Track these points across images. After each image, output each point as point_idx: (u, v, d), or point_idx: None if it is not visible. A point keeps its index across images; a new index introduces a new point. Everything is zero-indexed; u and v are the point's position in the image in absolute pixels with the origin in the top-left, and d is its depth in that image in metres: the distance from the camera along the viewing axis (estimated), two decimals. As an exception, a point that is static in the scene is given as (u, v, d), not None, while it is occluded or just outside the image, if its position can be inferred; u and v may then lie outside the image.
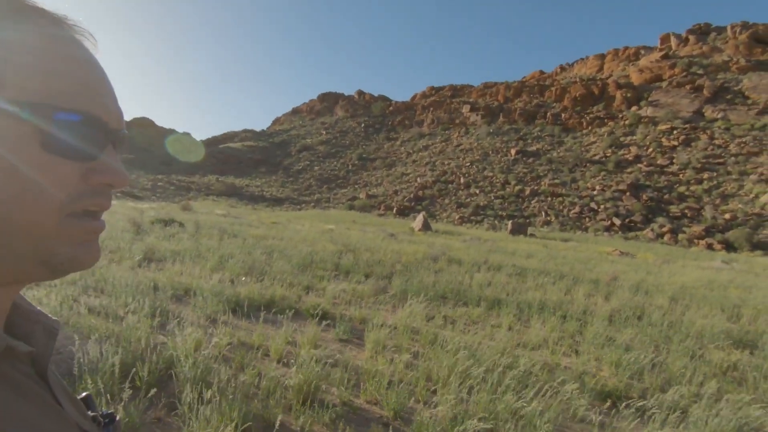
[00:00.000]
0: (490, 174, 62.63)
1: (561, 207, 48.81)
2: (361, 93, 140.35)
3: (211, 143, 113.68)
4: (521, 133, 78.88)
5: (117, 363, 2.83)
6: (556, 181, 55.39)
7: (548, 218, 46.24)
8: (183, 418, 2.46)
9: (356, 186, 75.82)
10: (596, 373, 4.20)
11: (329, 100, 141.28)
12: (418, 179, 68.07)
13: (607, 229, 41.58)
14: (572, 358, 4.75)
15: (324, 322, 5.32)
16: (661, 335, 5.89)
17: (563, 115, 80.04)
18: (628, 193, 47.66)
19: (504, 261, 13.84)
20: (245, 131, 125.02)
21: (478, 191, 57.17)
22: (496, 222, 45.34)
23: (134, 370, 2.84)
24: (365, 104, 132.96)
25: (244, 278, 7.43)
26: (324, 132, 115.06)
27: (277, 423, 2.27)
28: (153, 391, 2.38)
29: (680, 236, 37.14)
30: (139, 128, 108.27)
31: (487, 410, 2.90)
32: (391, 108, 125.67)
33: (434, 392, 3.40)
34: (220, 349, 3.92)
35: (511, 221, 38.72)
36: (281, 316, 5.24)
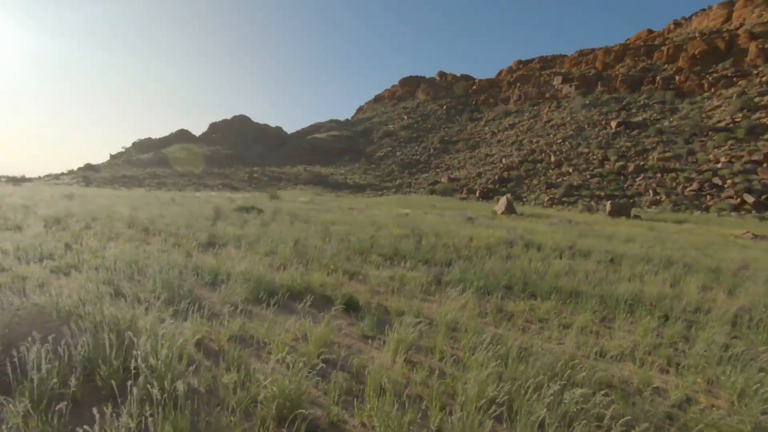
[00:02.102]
0: (586, 150, 56.46)
1: (674, 184, 42.11)
2: (442, 74, 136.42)
3: (299, 135, 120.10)
4: (623, 103, 69.64)
5: (77, 364, 2.49)
6: (668, 154, 47.87)
7: (657, 197, 40.26)
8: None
9: (438, 170, 74.14)
10: (707, 402, 2.96)
11: (410, 84, 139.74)
12: (504, 160, 64.17)
13: (736, 207, 34.83)
14: (670, 375, 3.50)
15: (354, 314, 4.71)
16: (816, 348, 4.22)
17: (677, 77, 68.70)
18: (765, 164, 39.38)
19: (595, 246, 11.97)
20: (330, 122, 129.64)
21: (571, 170, 51.97)
22: (592, 203, 40.81)
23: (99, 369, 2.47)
24: (447, 85, 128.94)
25: (292, 263, 7.14)
26: (405, 117, 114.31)
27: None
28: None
29: (843, 215, 29.65)
30: (238, 125, 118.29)
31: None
32: (474, 87, 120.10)
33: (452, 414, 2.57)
34: (219, 343, 3.50)
35: (610, 202, 34.47)
36: (309, 306, 4.75)
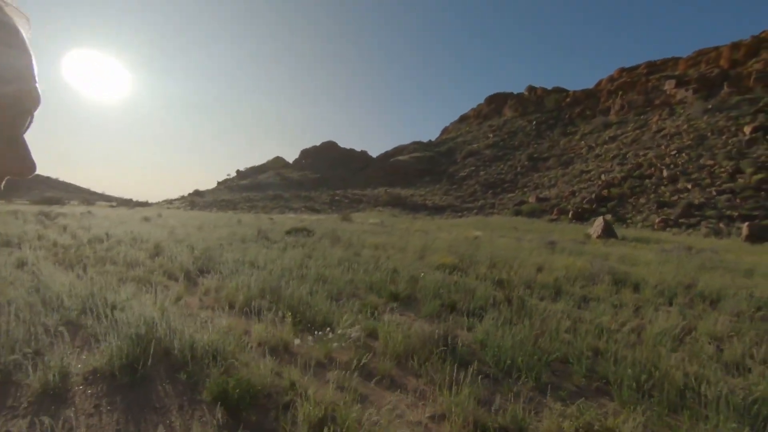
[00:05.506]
0: (710, 162, 47.21)
1: (842, 200, 32.53)
2: (531, 89, 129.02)
3: (382, 158, 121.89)
4: (760, 104, 57.74)
5: None
6: (831, 163, 37.60)
7: (818, 217, 31.28)
8: None
9: (525, 189, 68.49)
10: None
11: (497, 101, 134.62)
12: (603, 176, 56.81)
13: None
14: None
15: (237, 415, 2.63)
16: None
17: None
18: None
19: (728, 285, 8.30)
20: (414, 143, 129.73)
21: (690, 185, 43.59)
22: (720, 225, 33.19)
23: None
24: (537, 100, 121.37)
25: (256, 302, 5.32)
26: (491, 135, 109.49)
27: None
28: None
29: None
30: (326, 151, 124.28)
31: None
32: (567, 99, 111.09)
33: None
34: None
35: (747, 224, 27.49)
36: (178, 390, 2.81)
